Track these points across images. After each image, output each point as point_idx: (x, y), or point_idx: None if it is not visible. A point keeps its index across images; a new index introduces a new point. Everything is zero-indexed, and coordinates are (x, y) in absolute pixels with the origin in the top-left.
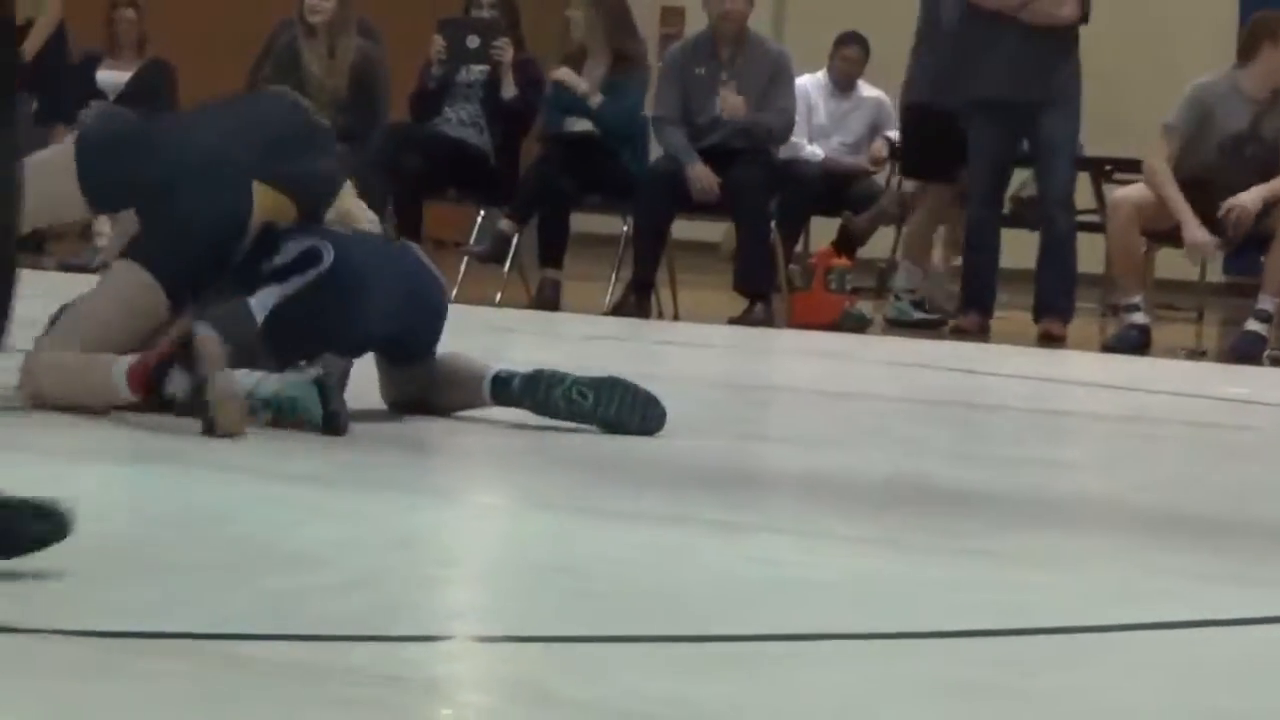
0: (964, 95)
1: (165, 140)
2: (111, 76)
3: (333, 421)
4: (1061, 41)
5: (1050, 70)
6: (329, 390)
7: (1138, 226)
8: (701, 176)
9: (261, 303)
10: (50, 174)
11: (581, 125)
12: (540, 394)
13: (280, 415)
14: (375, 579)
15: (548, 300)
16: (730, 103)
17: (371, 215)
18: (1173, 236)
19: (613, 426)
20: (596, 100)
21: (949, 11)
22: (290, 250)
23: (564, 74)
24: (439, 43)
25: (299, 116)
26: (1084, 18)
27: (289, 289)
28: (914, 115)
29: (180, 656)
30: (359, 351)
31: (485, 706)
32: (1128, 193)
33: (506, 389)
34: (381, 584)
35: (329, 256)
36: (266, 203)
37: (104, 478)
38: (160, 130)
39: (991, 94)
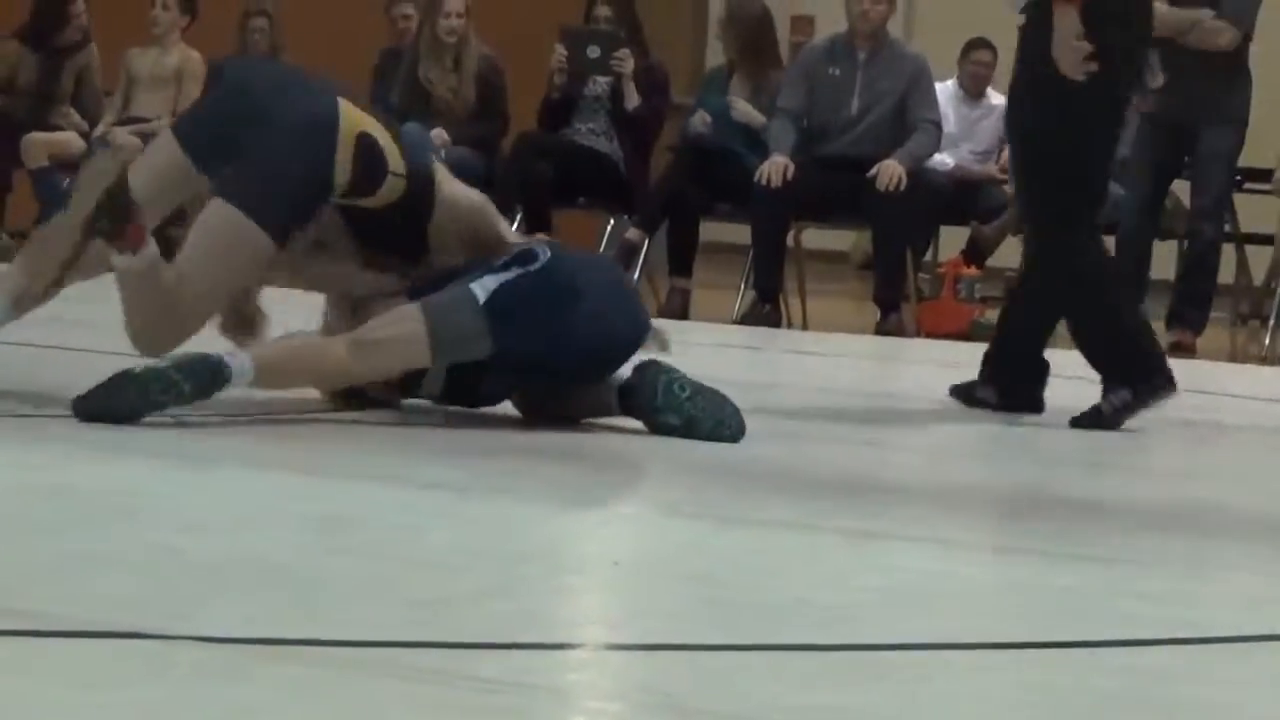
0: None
1: (251, 86)
2: None
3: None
4: (1227, 64)
5: (1216, 92)
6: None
7: None
8: (769, 168)
9: (483, 286)
10: (153, 150)
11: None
12: (647, 377)
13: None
14: (507, 586)
15: (676, 309)
16: (740, 108)
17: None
18: None
19: (696, 424)
20: (761, 122)
21: None
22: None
23: (744, 110)
24: (560, 53)
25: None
26: (1247, 37)
27: (507, 276)
28: None
29: (312, 664)
30: (569, 358)
31: (616, 715)
32: None
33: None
34: (513, 591)
35: (544, 256)
36: (353, 115)
37: (234, 484)
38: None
39: (1159, 112)
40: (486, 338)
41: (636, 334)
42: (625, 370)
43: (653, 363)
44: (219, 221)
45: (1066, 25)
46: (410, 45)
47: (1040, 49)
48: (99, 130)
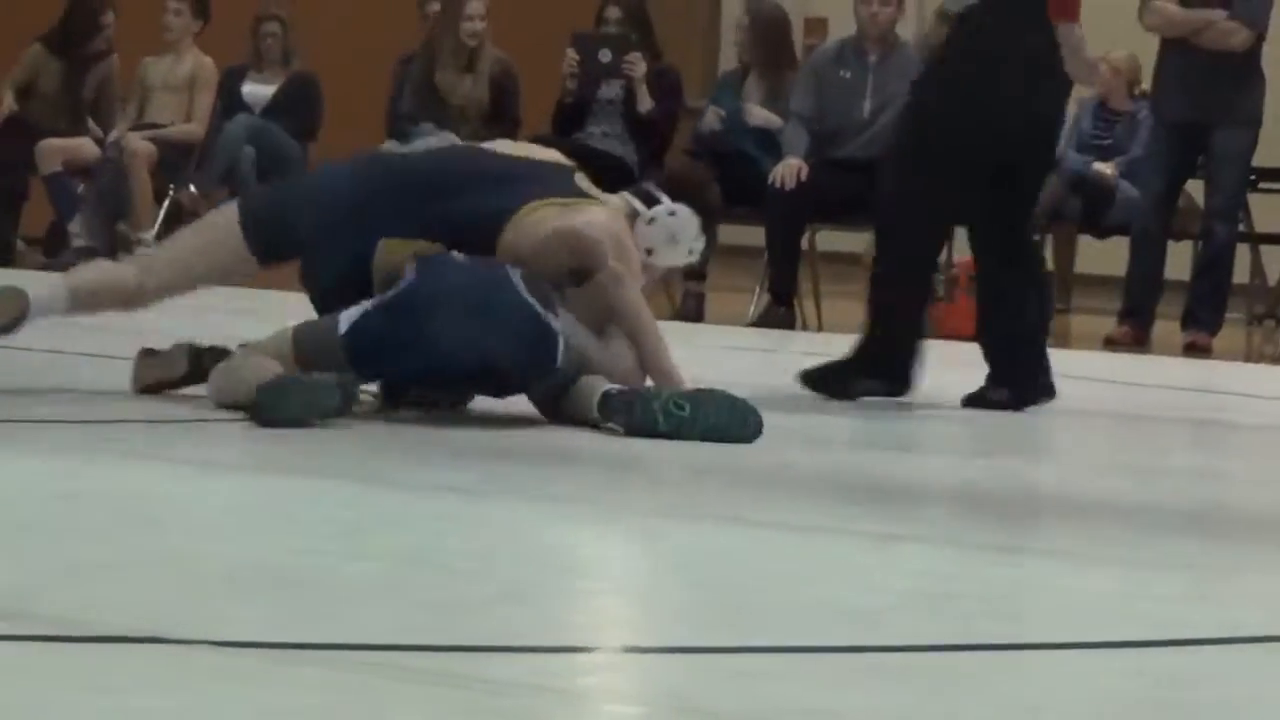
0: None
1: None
2: (257, 90)
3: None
4: (1240, 65)
5: (1228, 92)
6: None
7: None
8: (782, 170)
9: (348, 315)
10: (216, 233)
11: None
12: (637, 410)
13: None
14: (524, 590)
15: (691, 312)
16: (756, 114)
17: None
18: None
19: (713, 435)
20: (778, 125)
21: None
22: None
23: (761, 115)
24: (571, 57)
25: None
26: (1260, 38)
27: (369, 304)
28: None
29: (330, 667)
30: (434, 375)
31: (632, 719)
32: None
33: (607, 405)
34: (530, 595)
35: (409, 277)
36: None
37: (248, 489)
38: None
39: (1173, 114)
40: (348, 368)
41: (523, 348)
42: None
43: (633, 393)
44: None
45: (1076, 40)
46: (424, 46)
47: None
48: (113, 136)
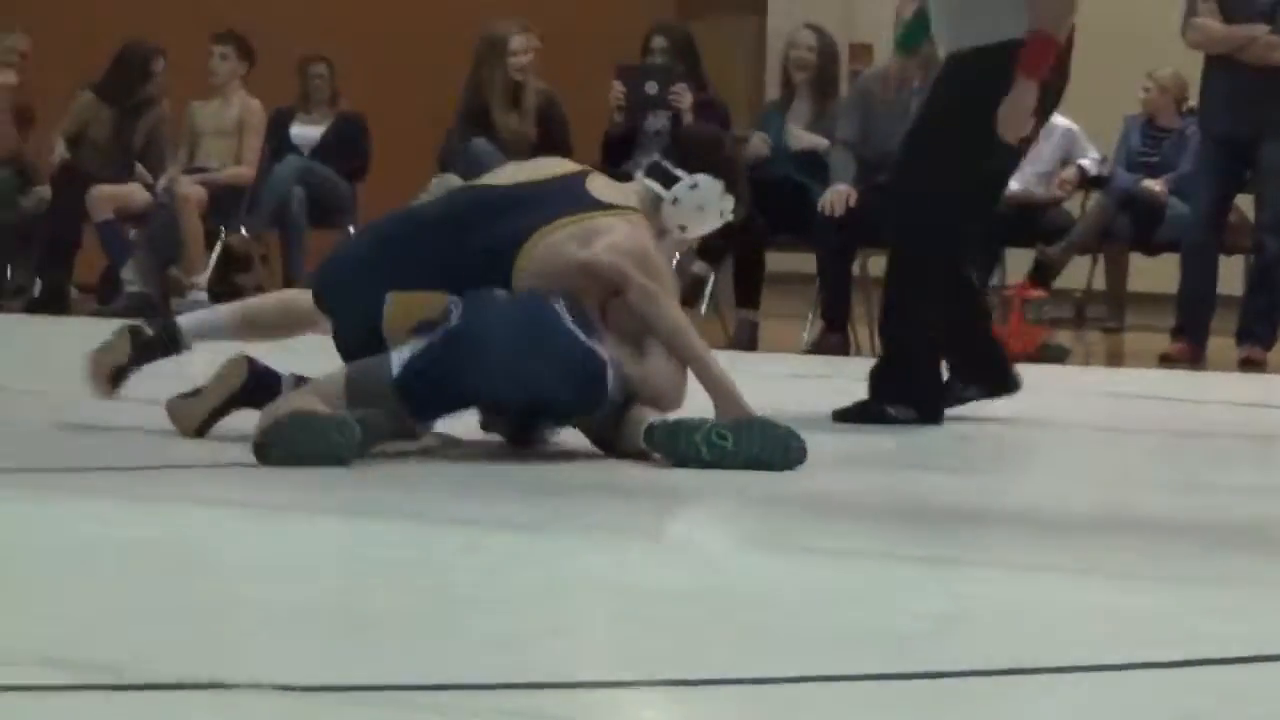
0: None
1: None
2: (305, 131)
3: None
4: None
5: (1273, 106)
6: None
7: None
8: (831, 197)
9: (399, 356)
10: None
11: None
12: (680, 442)
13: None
14: (575, 624)
15: (745, 341)
16: (801, 138)
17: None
18: None
19: (756, 464)
20: (823, 146)
21: None
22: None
23: (804, 138)
24: (617, 89)
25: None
26: None
27: (418, 345)
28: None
29: (387, 707)
30: (491, 410)
31: None
32: None
33: (651, 437)
34: (581, 629)
35: (455, 314)
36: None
37: (296, 530)
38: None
39: (1218, 128)
40: (400, 409)
41: (572, 381)
42: (660, 416)
43: (676, 424)
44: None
45: (1025, 98)
46: (469, 86)
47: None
48: (163, 182)
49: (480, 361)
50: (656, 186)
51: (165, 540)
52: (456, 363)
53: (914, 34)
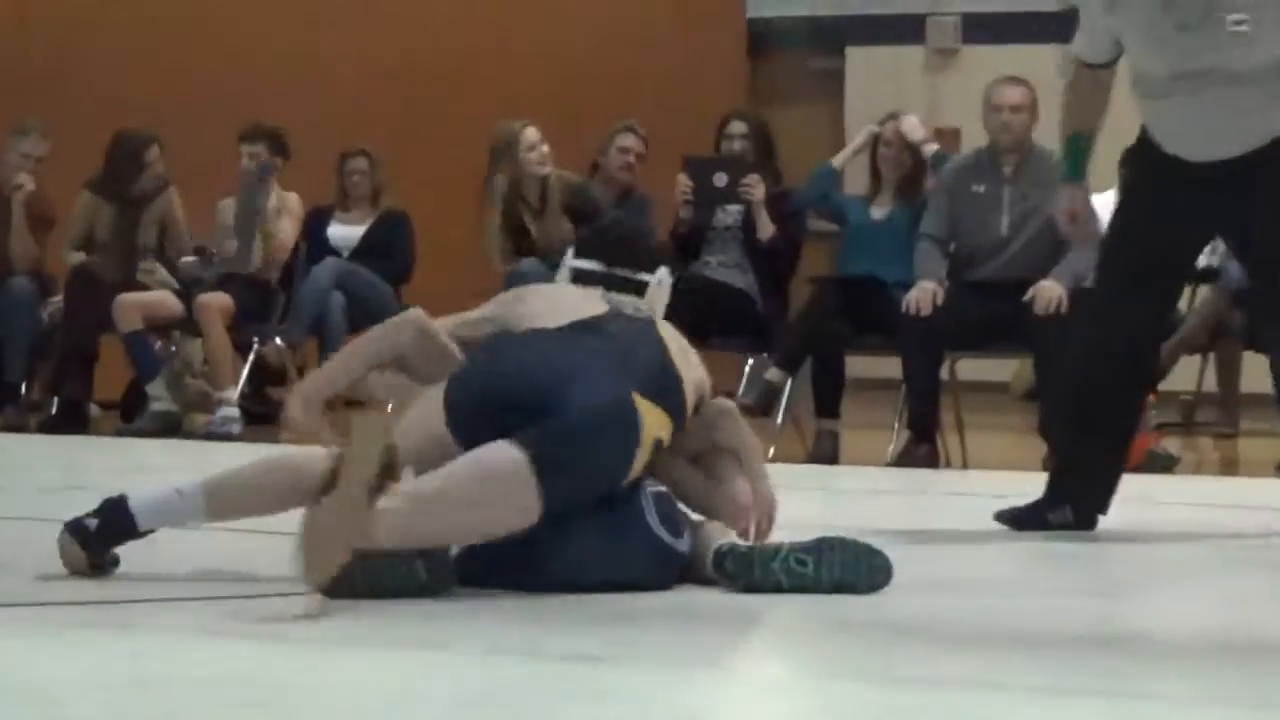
0: None
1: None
2: (344, 231)
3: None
4: None
5: None
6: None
7: None
8: (916, 295)
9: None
10: (420, 414)
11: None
12: (756, 571)
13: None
14: None
15: (825, 453)
16: (908, 125)
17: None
18: None
19: (839, 588)
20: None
21: None
22: None
23: (916, 128)
24: (684, 183)
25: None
26: None
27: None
28: None
29: None
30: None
31: None
32: None
33: (721, 566)
34: None
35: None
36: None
37: (358, 665)
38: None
39: None
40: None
41: (645, 571)
42: (727, 540)
43: (750, 552)
44: (502, 460)
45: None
46: (495, 193)
47: None
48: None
49: (560, 549)
50: (644, 300)
51: (208, 678)
52: (529, 544)
53: (1081, 158)
